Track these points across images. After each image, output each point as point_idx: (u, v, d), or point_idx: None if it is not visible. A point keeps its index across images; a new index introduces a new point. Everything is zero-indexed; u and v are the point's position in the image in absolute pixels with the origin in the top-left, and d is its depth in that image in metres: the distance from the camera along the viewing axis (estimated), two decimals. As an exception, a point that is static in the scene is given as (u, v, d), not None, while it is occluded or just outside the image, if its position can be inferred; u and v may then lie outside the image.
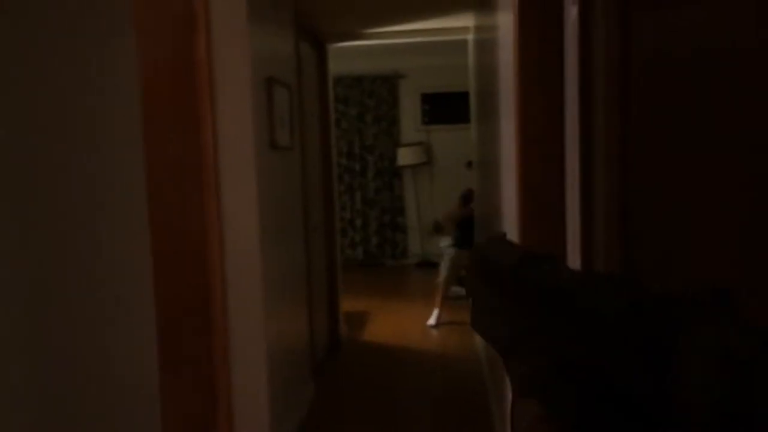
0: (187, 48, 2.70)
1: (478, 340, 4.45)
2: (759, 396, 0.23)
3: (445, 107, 8.12)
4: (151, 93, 2.63)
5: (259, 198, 2.79)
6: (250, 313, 2.79)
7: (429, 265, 7.93)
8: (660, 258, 0.90)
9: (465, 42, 5.26)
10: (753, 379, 0.23)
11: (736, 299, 0.25)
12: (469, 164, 6.72)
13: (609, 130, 0.91)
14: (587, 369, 0.29)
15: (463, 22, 4.78)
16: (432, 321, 5.44)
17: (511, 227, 2.21)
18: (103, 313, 1.36)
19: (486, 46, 3.62)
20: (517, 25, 1.90)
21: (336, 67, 7.41)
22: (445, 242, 7.74)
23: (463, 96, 6.13)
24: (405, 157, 8.02)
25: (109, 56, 1.38)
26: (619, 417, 0.27)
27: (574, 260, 1.66)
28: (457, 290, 5.79)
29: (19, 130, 1.04)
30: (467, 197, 5.97)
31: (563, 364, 0.30)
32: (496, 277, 0.38)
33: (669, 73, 0.81)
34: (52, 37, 1.16)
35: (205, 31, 2.69)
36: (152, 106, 2.62)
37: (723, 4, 0.71)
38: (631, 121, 0.83)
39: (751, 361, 0.23)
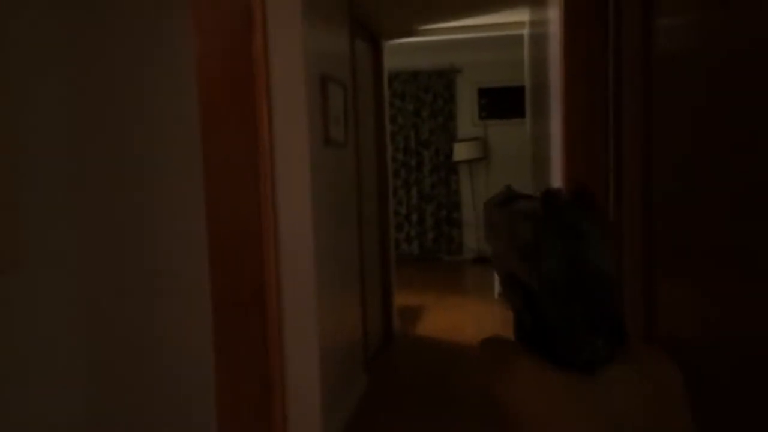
0: (244, 46, 2.80)
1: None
2: (592, 261, 0.30)
3: (502, 102, 8.05)
4: (209, 90, 2.74)
5: (312, 193, 2.87)
6: (303, 305, 2.88)
7: (485, 261, 7.91)
8: (676, 247, 0.91)
9: (521, 37, 5.22)
10: (587, 250, 0.30)
11: (591, 195, 0.32)
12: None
13: (632, 133, 0.92)
14: (509, 271, 0.38)
15: (519, 17, 4.75)
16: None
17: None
18: (160, 303, 1.45)
19: (539, 40, 3.60)
20: (563, 21, 1.91)
21: (392, 62, 7.47)
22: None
23: (520, 90, 6.08)
24: (461, 152, 8.01)
25: (169, 53, 1.47)
26: (525, 304, 0.34)
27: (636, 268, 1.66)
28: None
29: (83, 125, 1.13)
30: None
31: (504, 272, 0.39)
32: (489, 216, 0.46)
33: (688, 73, 0.82)
34: (115, 36, 1.25)
35: (261, 28, 2.78)
36: (210, 104, 2.73)
37: (736, 14, 0.72)
38: (651, 122, 0.85)
39: (585, 237, 0.30)
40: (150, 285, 1.37)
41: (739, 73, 0.76)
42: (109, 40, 1.21)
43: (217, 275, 2.47)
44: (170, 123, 1.47)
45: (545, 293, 0.32)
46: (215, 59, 2.78)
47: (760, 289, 0.75)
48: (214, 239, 2.48)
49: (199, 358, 1.64)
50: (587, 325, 0.31)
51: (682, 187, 0.83)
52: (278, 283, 2.84)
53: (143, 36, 1.40)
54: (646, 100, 0.86)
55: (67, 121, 1.12)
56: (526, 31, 4.95)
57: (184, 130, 1.59)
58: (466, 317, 5.59)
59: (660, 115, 0.82)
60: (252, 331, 2.79)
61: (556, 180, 2.30)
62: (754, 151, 0.73)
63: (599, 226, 0.31)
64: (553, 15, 2.42)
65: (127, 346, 1.30)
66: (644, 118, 0.86)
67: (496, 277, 5.90)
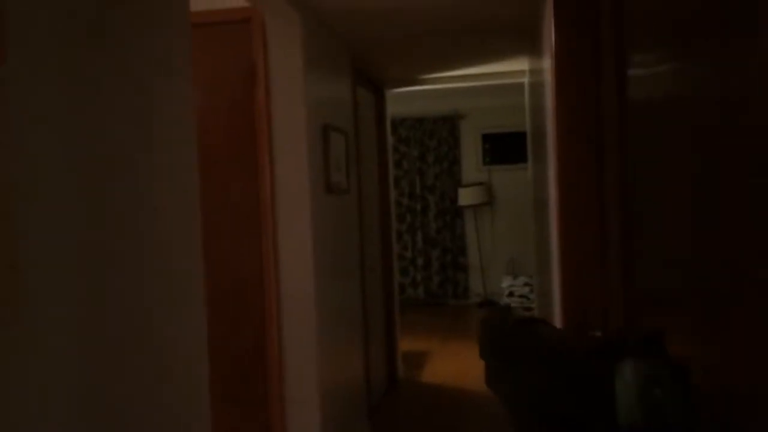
0: (247, 100, 2.87)
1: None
2: (671, 412, 0.29)
3: (506, 147, 8.13)
4: (211, 143, 2.80)
5: (314, 240, 2.90)
6: (304, 354, 2.87)
7: (491, 304, 7.86)
8: (658, 297, 0.92)
9: (522, 84, 5.31)
10: (664, 400, 0.30)
11: (663, 340, 0.32)
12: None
13: (612, 181, 0.95)
14: (554, 412, 0.36)
15: (519, 65, 4.84)
16: None
17: (555, 271, 2.22)
18: (159, 365, 1.46)
19: (537, 88, 3.66)
20: (555, 70, 1.96)
21: (397, 109, 7.59)
22: (507, 282, 7.68)
23: (522, 136, 6.15)
24: (466, 197, 8.05)
25: (171, 109, 1.52)
26: None
27: (617, 309, 1.67)
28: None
29: (82, 181, 1.16)
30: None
31: (540, 411, 0.37)
32: (497, 340, 0.46)
33: (661, 122, 0.85)
34: (115, 93, 1.30)
35: (264, 82, 2.86)
36: (211, 153, 2.79)
37: (705, 60, 0.75)
38: (626, 170, 0.87)
39: (663, 385, 0.30)
40: (149, 350, 1.38)
41: (709, 115, 0.79)
42: (110, 99, 1.26)
43: (216, 325, 2.48)
44: (170, 175, 1.51)
45: None
46: (218, 113, 2.85)
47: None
48: (214, 290, 2.50)
49: (198, 414, 1.64)
50: None
51: (661, 243, 0.85)
52: (279, 333, 2.84)
53: (145, 93, 1.45)
54: (622, 147, 0.88)
55: (68, 175, 1.16)
56: (526, 80, 5.03)
57: (184, 183, 1.63)
58: (471, 363, 5.54)
59: (636, 160, 0.85)
60: (253, 384, 2.78)
61: (553, 225, 2.32)
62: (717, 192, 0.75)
63: (677, 378, 0.30)
64: (548, 64, 2.48)
65: (126, 416, 1.31)
66: (621, 164, 0.89)
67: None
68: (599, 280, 1.69)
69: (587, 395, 0.30)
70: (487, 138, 8.27)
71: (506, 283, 7.60)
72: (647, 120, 0.81)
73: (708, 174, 0.77)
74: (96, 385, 1.22)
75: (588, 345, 0.32)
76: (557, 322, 2.14)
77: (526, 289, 7.14)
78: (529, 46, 4.12)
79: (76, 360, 1.16)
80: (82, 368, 1.17)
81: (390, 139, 5.38)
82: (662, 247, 0.90)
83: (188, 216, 1.64)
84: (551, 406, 0.35)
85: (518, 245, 7.89)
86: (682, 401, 0.28)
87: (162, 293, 1.49)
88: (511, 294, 7.31)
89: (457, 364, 5.52)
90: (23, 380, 1.00)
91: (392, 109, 5.41)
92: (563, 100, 1.93)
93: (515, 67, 4.89)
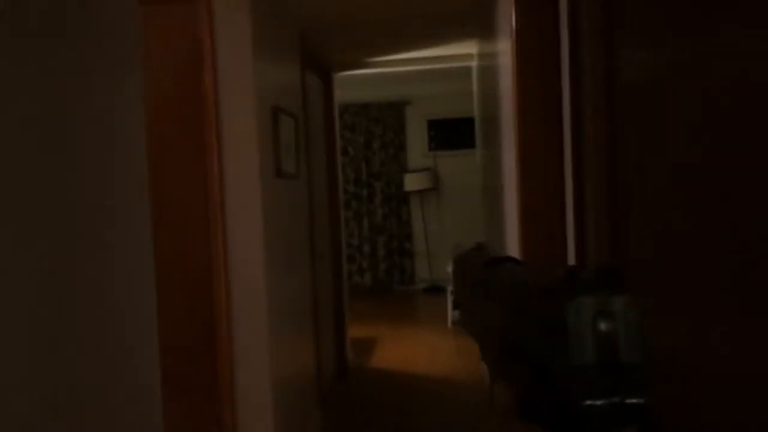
0: (195, 81, 2.75)
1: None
2: (623, 347, 0.29)
3: (452, 133, 8.17)
4: (159, 124, 2.67)
5: (264, 226, 2.81)
6: (255, 343, 2.79)
7: (437, 290, 7.91)
8: (648, 274, 0.91)
9: (469, 69, 5.31)
10: (615, 334, 0.30)
11: (618, 275, 0.32)
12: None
13: (597, 157, 0.92)
14: (515, 348, 0.36)
15: (467, 49, 4.84)
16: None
17: (514, 252, 2.21)
18: (107, 346, 1.37)
19: (489, 72, 3.66)
20: (515, 53, 1.93)
21: (343, 95, 7.50)
22: (452, 267, 7.73)
23: (469, 122, 6.17)
24: (412, 183, 8.06)
25: (119, 92, 1.42)
26: (537, 380, 0.34)
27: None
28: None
29: (27, 165, 1.06)
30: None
31: (504, 347, 0.37)
32: (468, 279, 0.45)
33: (653, 101, 0.82)
34: (61, 74, 1.19)
35: (211, 63, 2.74)
36: (160, 137, 2.66)
37: (695, 45, 0.73)
38: (617, 149, 0.85)
39: (614, 320, 0.30)
40: (95, 327, 1.29)
41: (701, 98, 0.76)
42: (56, 85, 1.16)
43: (166, 315, 2.37)
44: (117, 159, 1.41)
45: (574, 381, 0.31)
46: (165, 96, 2.72)
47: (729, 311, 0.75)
48: (163, 281, 2.39)
49: (148, 403, 1.56)
50: (618, 416, 0.31)
51: (651, 217, 0.83)
52: (229, 321, 2.75)
53: (90, 74, 1.34)
54: (611, 128, 0.86)
55: (9, 157, 1.06)
56: (474, 63, 5.04)
57: (132, 167, 1.53)
58: (419, 348, 5.55)
59: (625, 142, 0.83)
60: (203, 376, 2.68)
61: (511, 209, 2.31)
62: (724, 175, 0.73)
63: (631, 310, 0.30)
64: (504, 48, 2.46)
65: (73, 389, 1.22)
66: (609, 147, 0.87)
67: (451, 309, 5.92)
68: (561, 253, 1.69)
69: (544, 333, 0.31)
70: (432, 124, 8.29)
71: (453, 267, 7.66)
72: (639, 99, 0.79)
73: (700, 155, 0.75)
74: (43, 381, 1.12)
75: (546, 281, 0.32)
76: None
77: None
78: (479, 29, 4.11)
79: (25, 353, 1.06)
80: (31, 361, 1.08)
81: (338, 125, 5.30)
82: (652, 220, 0.88)
83: (137, 206, 1.54)
84: (514, 344, 0.35)
85: (465, 230, 7.95)
86: (634, 336, 0.29)
87: (111, 286, 1.40)
88: (457, 279, 7.37)
89: (405, 350, 5.53)
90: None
91: (338, 96, 5.33)
92: (524, 83, 1.90)
93: (463, 50, 4.88)
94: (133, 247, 1.53)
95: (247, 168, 2.79)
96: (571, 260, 1.62)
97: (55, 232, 1.18)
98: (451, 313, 5.66)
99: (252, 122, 2.79)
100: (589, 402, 0.31)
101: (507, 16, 2.22)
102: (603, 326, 0.31)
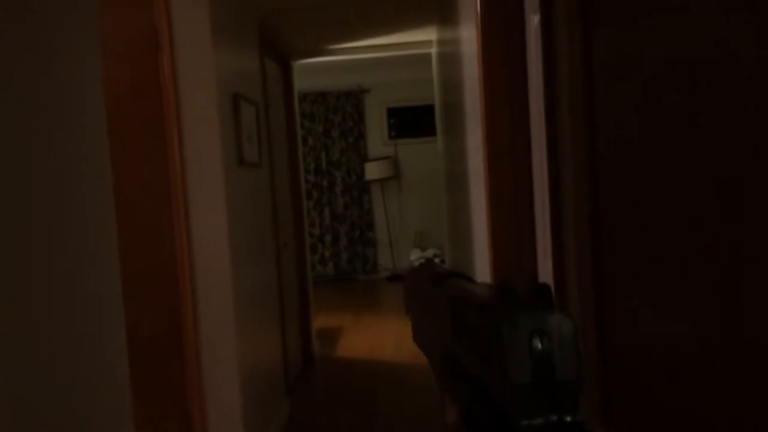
0: (152, 67, 2.67)
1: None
2: (558, 365, 0.31)
3: (411, 121, 8.17)
4: (117, 113, 2.60)
5: (228, 215, 2.77)
6: (222, 334, 2.75)
7: (400, 278, 7.94)
8: (624, 260, 0.92)
9: (428, 56, 5.32)
10: (551, 353, 0.31)
11: (550, 293, 0.33)
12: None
13: (575, 140, 0.93)
14: (458, 366, 0.37)
15: (426, 35, 4.83)
16: None
17: (480, 238, 2.22)
18: (73, 339, 1.33)
19: (449, 59, 3.66)
20: (480, 39, 1.93)
21: (301, 83, 7.42)
22: (415, 255, 7.77)
23: (429, 109, 6.18)
24: (372, 171, 8.04)
25: (77, 77, 1.37)
26: (478, 403, 0.34)
27: (545, 267, 1.68)
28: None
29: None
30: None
31: (449, 365, 0.38)
32: (417, 294, 0.47)
33: (630, 82, 0.83)
34: (17, 60, 1.14)
35: (169, 49, 2.67)
36: (118, 126, 2.58)
37: (673, 21, 0.74)
38: (596, 131, 0.86)
39: (550, 338, 0.31)
40: (59, 320, 1.25)
41: (675, 76, 0.77)
42: (10, 67, 1.11)
43: (132, 309, 2.32)
44: (77, 149, 1.36)
45: (512, 400, 0.32)
46: (122, 83, 2.64)
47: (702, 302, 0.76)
48: (126, 273, 2.34)
49: (116, 396, 1.52)
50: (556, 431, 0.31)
51: (631, 199, 0.84)
52: (195, 313, 2.70)
53: (51, 65, 1.29)
54: (588, 110, 0.87)
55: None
56: (434, 50, 5.04)
57: (91, 157, 1.48)
58: (384, 336, 5.57)
59: (604, 122, 0.83)
60: (170, 368, 2.64)
61: (477, 195, 2.32)
62: (700, 155, 0.74)
63: (564, 327, 0.31)
64: (468, 34, 2.46)
65: (41, 383, 1.18)
66: (587, 129, 0.87)
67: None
68: (531, 238, 1.70)
69: (481, 350, 0.32)
70: (392, 112, 8.28)
71: (414, 255, 7.69)
72: (618, 80, 0.79)
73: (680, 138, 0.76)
74: (8, 380, 1.08)
75: (483, 298, 0.33)
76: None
77: (436, 261, 7.26)
78: (439, 15, 4.11)
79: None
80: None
81: (298, 112, 5.24)
82: (634, 207, 0.89)
83: (101, 198, 1.49)
84: (455, 361, 0.37)
85: (426, 218, 7.99)
86: (570, 354, 0.30)
87: (74, 280, 1.35)
88: (420, 266, 7.42)
89: (370, 338, 5.54)
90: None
91: (297, 84, 5.27)
92: (490, 69, 1.91)
93: (422, 37, 4.88)
94: (95, 239, 1.48)
95: (209, 157, 2.73)
96: (542, 247, 1.63)
97: (15, 226, 1.14)
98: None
99: (213, 110, 2.74)
100: (526, 421, 0.31)
101: (470, 3, 2.22)
102: (538, 345, 0.31)
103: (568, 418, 0.31)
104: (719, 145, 0.67)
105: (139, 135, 2.66)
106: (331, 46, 5.03)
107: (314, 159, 8.30)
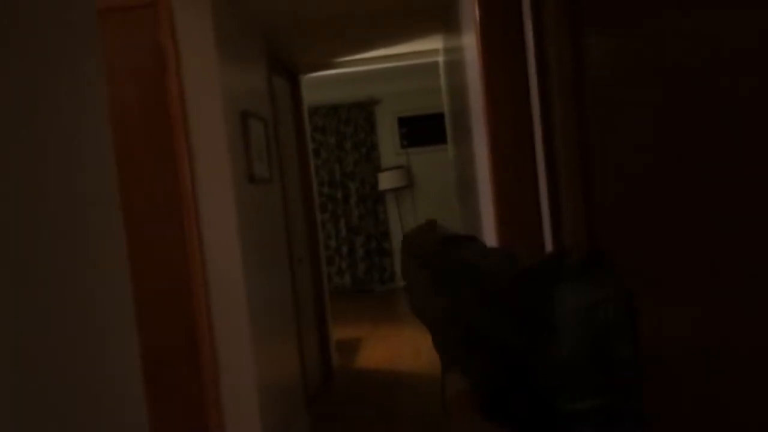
0: (159, 87, 2.71)
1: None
2: (616, 338, 0.25)
3: (423, 129, 8.19)
4: (123, 132, 2.63)
5: (240, 232, 2.79)
6: (238, 350, 2.77)
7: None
8: (625, 261, 0.92)
9: (436, 64, 5.33)
10: (609, 327, 0.25)
11: (608, 259, 0.28)
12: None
13: (568, 148, 0.93)
14: (486, 336, 0.32)
15: (433, 44, 4.85)
16: None
17: (490, 243, 2.22)
18: (87, 363, 1.35)
19: (455, 67, 3.67)
20: (481, 46, 1.94)
21: (311, 97, 7.47)
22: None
23: (440, 117, 6.19)
24: (386, 181, 8.06)
25: (81, 97, 1.39)
26: (509, 378, 0.30)
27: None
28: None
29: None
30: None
31: (470, 334, 0.33)
32: (424, 259, 0.41)
33: (620, 88, 0.83)
34: (20, 78, 1.17)
35: (175, 68, 2.71)
36: (125, 145, 2.62)
37: (664, 26, 0.74)
38: (588, 138, 0.85)
39: (607, 310, 0.26)
40: (73, 342, 1.27)
41: (666, 82, 0.77)
42: (14, 87, 1.13)
43: (147, 326, 2.34)
44: (85, 172, 1.38)
45: (558, 380, 0.27)
46: (129, 103, 2.68)
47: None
48: (139, 291, 2.36)
49: (132, 413, 1.53)
50: (608, 419, 0.27)
51: (627, 204, 0.84)
52: (211, 329, 2.72)
53: (53, 83, 1.32)
54: (581, 116, 0.87)
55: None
56: (441, 59, 5.05)
57: (100, 179, 1.51)
58: (404, 346, 5.56)
59: (596, 128, 0.83)
60: (187, 385, 2.65)
61: (486, 202, 2.32)
62: (697, 157, 0.74)
63: (624, 298, 0.27)
64: (469, 41, 2.46)
65: (56, 407, 1.20)
66: (579, 134, 0.87)
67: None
68: (538, 242, 1.70)
69: (521, 323, 0.27)
70: (403, 121, 8.30)
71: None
72: (607, 84, 0.79)
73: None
74: (25, 397, 1.10)
75: (522, 267, 0.28)
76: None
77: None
78: (443, 23, 4.12)
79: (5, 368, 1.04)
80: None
81: (308, 127, 5.27)
82: (627, 203, 0.89)
83: (110, 215, 1.52)
84: (481, 335, 0.31)
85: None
86: (628, 326, 0.25)
87: (85, 296, 1.37)
88: (436, 275, 7.39)
89: (389, 348, 5.53)
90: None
91: (306, 98, 5.31)
92: (491, 76, 1.91)
93: (429, 46, 4.89)
94: (107, 256, 1.50)
95: (219, 175, 2.76)
96: (549, 248, 1.63)
97: (26, 243, 1.16)
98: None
99: (221, 128, 2.76)
100: (573, 404, 0.27)
101: (470, 10, 2.22)
102: (592, 317, 0.27)
103: (624, 405, 0.26)
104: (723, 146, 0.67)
105: (147, 154, 2.69)
106: (339, 59, 5.06)
107: (328, 171, 8.34)
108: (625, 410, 0.24)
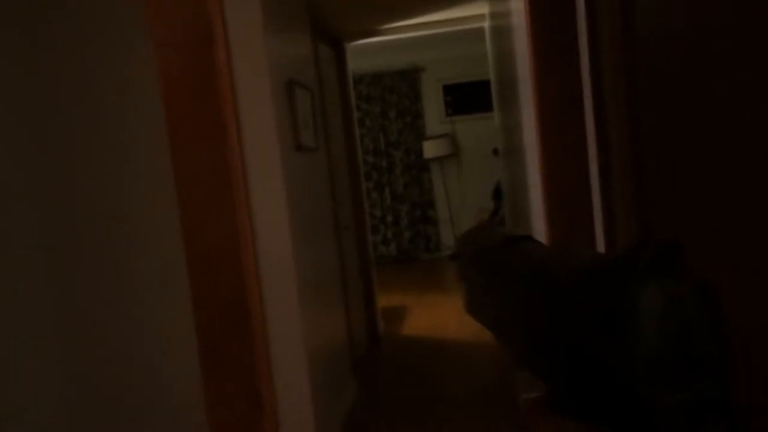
0: (206, 57, 2.75)
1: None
2: (698, 336, 0.24)
3: (468, 97, 8.09)
4: (173, 104, 2.69)
5: (287, 200, 2.83)
6: (287, 315, 2.84)
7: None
8: (673, 229, 0.90)
9: (482, 30, 5.24)
10: (692, 325, 0.24)
11: (682, 251, 0.27)
12: (496, 151, 6.69)
13: (618, 111, 0.91)
14: (556, 338, 0.31)
15: (478, 9, 4.77)
16: None
17: (537, 213, 2.21)
18: (141, 327, 1.41)
19: (502, 32, 3.60)
20: (528, 10, 1.90)
21: (355, 65, 7.45)
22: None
23: (485, 84, 6.10)
24: (431, 149, 8.02)
25: (131, 70, 1.43)
26: (589, 378, 0.29)
27: (601, 237, 1.66)
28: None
29: (46, 153, 1.08)
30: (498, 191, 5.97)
31: (538, 337, 0.32)
32: (482, 260, 0.40)
33: (671, 47, 0.81)
34: (72, 56, 1.20)
35: (222, 39, 2.74)
36: (175, 117, 2.68)
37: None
38: (638, 100, 0.84)
39: (688, 307, 0.25)
40: (131, 307, 1.32)
41: (719, 48, 0.75)
42: (67, 65, 1.17)
43: (197, 291, 2.42)
44: (137, 144, 1.43)
45: (645, 376, 0.27)
46: (177, 75, 2.73)
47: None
48: (191, 256, 2.44)
49: (186, 378, 1.60)
50: (701, 415, 0.27)
51: (676, 167, 0.82)
52: (260, 294, 2.79)
53: (103, 58, 1.36)
54: (630, 82, 0.85)
55: (30, 148, 1.07)
56: (486, 24, 4.96)
57: (152, 150, 1.55)
58: (447, 314, 5.59)
59: (645, 95, 0.82)
60: (237, 346, 2.74)
61: (533, 169, 2.30)
62: (745, 135, 0.72)
63: (702, 293, 0.25)
64: (517, 6, 2.42)
65: (110, 364, 1.26)
66: (628, 100, 0.86)
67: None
68: (588, 212, 1.68)
69: (598, 323, 0.25)
70: (448, 89, 8.21)
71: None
72: (658, 49, 0.77)
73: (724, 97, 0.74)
74: (84, 375, 1.16)
75: (589, 265, 0.26)
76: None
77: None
78: (490, -11, 4.04)
79: (61, 348, 1.10)
80: (69, 355, 1.11)
81: (353, 96, 5.28)
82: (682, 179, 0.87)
83: (163, 189, 1.56)
84: (552, 336, 0.29)
85: (487, 194, 7.93)
86: (709, 322, 0.23)
87: (145, 275, 1.43)
88: (482, 243, 7.37)
89: (433, 317, 5.57)
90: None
91: (351, 66, 5.30)
92: (540, 41, 1.88)
93: (474, 11, 4.81)
94: (161, 230, 1.55)
95: (266, 144, 2.80)
96: (597, 215, 1.61)
97: (79, 219, 1.21)
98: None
99: (268, 97, 2.79)
100: (663, 400, 0.26)
101: (518, -28, 2.18)
102: (674, 313, 0.26)
103: (710, 396, 0.26)
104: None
105: (196, 123, 2.75)
106: (383, 26, 5.03)
107: (372, 140, 8.34)
108: (716, 403, 0.23)
